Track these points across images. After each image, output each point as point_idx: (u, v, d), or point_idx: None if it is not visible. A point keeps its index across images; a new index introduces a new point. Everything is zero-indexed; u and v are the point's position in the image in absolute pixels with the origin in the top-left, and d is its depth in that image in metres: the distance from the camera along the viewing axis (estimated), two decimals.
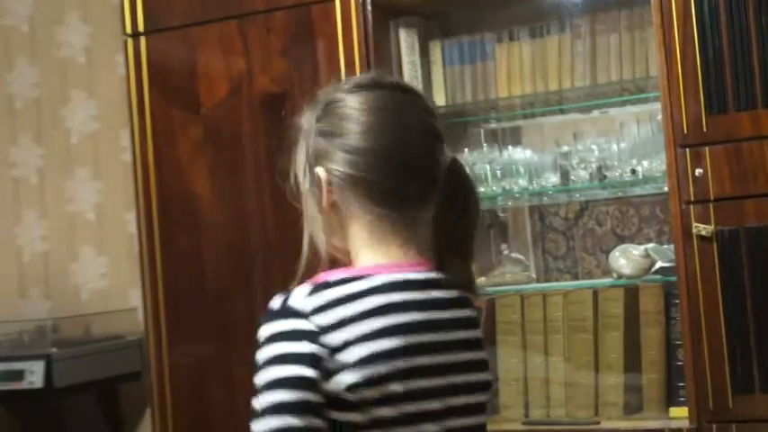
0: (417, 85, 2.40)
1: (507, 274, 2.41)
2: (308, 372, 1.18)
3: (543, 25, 2.35)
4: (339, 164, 1.27)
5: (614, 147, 2.28)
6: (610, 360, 2.20)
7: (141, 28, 2.49)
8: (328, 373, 1.18)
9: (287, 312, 1.23)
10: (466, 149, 2.44)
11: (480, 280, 2.35)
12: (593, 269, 2.41)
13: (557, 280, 2.45)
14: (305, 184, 1.36)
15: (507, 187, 2.38)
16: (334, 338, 1.18)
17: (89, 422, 3.08)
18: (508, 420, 2.26)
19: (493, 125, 2.54)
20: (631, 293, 2.21)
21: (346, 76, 2.27)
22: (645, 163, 2.23)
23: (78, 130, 3.36)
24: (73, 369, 2.85)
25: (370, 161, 1.28)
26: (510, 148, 2.43)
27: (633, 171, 2.25)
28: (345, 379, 1.17)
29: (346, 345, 1.19)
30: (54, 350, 2.82)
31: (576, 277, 2.43)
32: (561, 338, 2.25)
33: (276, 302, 1.28)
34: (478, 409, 1.36)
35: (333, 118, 1.33)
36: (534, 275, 2.46)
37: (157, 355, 2.45)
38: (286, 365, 1.21)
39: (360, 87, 1.35)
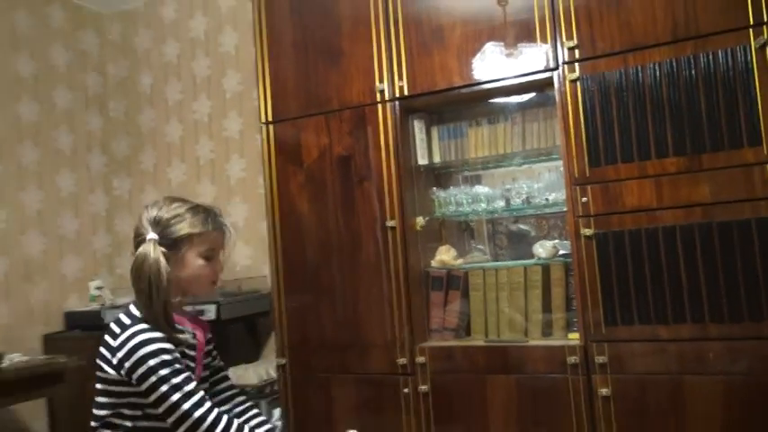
0: (423, 151, 2.37)
1: (475, 257, 2.38)
2: None
3: (495, 117, 2.31)
4: None
5: (536, 185, 2.24)
6: (534, 305, 2.16)
7: (270, 119, 2.48)
8: None
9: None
10: (451, 187, 2.41)
11: (459, 260, 2.32)
12: (524, 254, 2.36)
13: (502, 260, 2.40)
14: None
15: (475, 209, 2.34)
16: None
17: (241, 340, 3.09)
18: (476, 340, 2.22)
19: (466, 173, 2.51)
20: (546, 268, 2.17)
21: (384, 149, 2.25)
22: (553, 195, 2.19)
23: (235, 176, 3.36)
24: (232, 309, 2.86)
25: None
26: (476, 186, 2.40)
27: (546, 199, 2.22)
28: None
29: None
30: (221, 299, 2.83)
31: (514, 259, 2.37)
32: (506, 293, 2.21)
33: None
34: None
35: None
36: (489, 258, 2.41)
37: (278, 301, 2.43)
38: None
39: None
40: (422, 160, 2.37)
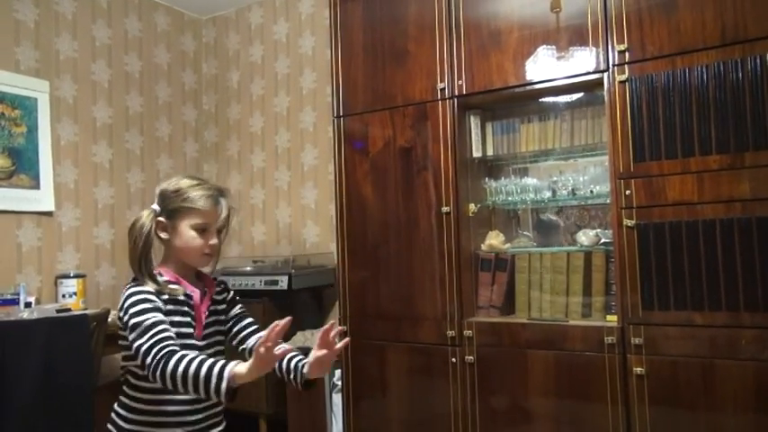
0: (478, 145, 2.37)
1: (521, 242, 2.36)
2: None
3: (546, 114, 2.29)
4: None
5: (581, 178, 2.21)
6: (575, 289, 2.14)
7: (341, 113, 2.53)
8: None
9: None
10: (502, 178, 2.40)
11: (507, 245, 2.31)
12: (568, 242, 2.33)
13: (547, 246, 2.37)
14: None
15: (523, 198, 2.33)
16: None
17: (308, 308, 3.16)
18: (519, 317, 2.22)
19: (516, 166, 2.48)
20: (588, 255, 2.14)
21: (443, 142, 2.26)
22: (598, 187, 2.15)
23: (308, 164, 3.43)
24: (301, 280, 2.92)
25: None
26: (525, 178, 2.38)
27: (591, 191, 2.18)
28: None
29: None
30: (293, 271, 2.90)
31: (557, 246, 2.35)
32: (549, 276, 2.19)
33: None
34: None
35: None
36: (535, 244, 2.39)
37: (342, 275, 2.49)
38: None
39: None
40: (476, 153, 2.37)
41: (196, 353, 1.29)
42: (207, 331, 1.44)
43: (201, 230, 1.39)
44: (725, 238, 1.77)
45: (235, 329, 1.51)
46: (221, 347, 1.49)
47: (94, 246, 3.18)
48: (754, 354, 1.72)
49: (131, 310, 1.30)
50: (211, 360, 1.22)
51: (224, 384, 1.18)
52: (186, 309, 1.38)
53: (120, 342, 1.38)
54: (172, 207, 1.38)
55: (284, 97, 3.51)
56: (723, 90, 1.79)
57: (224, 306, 1.51)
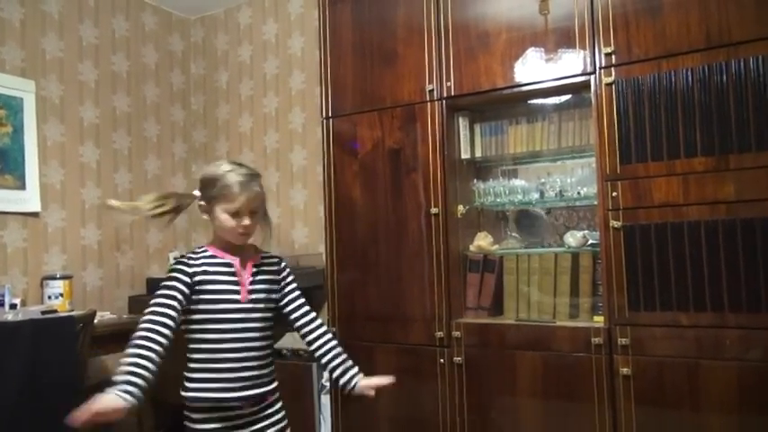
0: (466, 146, 2.38)
1: (510, 243, 2.37)
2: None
3: (534, 116, 2.30)
4: None
5: (569, 179, 2.22)
6: (563, 289, 2.15)
7: (330, 114, 2.53)
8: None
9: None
10: (491, 179, 2.41)
11: (495, 246, 2.32)
12: (555, 243, 2.34)
13: (535, 248, 2.38)
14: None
15: (511, 199, 2.34)
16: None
17: None
18: (507, 318, 2.22)
19: (505, 167, 2.49)
20: (575, 256, 2.16)
21: (431, 143, 2.26)
22: (585, 189, 2.17)
23: (297, 165, 3.42)
24: None
25: None
26: (513, 179, 2.38)
27: (578, 193, 2.19)
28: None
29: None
30: None
31: (545, 247, 2.36)
32: (537, 278, 2.20)
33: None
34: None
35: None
36: (524, 245, 2.40)
37: (331, 276, 2.49)
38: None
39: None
40: (464, 154, 2.37)
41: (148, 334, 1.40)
42: (252, 297, 1.55)
43: (234, 215, 1.51)
44: (710, 239, 1.79)
45: (283, 303, 1.65)
46: (269, 314, 1.59)
47: (81, 247, 3.15)
48: (738, 354, 1.74)
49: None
50: (133, 356, 1.35)
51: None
52: (230, 276, 1.53)
53: None
54: (208, 195, 1.53)
55: (273, 98, 3.50)
56: (708, 93, 1.81)
57: (276, 277, 1.64)
